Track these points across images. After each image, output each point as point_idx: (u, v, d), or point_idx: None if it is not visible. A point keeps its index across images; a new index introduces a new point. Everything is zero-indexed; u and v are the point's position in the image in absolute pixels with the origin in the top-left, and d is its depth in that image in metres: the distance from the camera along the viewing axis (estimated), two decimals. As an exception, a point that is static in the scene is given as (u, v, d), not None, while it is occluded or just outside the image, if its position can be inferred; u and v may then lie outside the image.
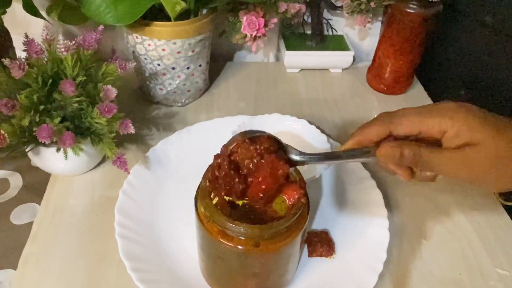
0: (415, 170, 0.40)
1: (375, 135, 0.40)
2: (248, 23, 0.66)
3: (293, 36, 0.81)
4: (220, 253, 0.41)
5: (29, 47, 0.50)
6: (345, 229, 0.53)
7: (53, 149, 0.52)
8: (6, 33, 0.61)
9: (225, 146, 0.42)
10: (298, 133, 0.61)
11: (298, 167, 0.43)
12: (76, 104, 0.51)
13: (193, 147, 0.61)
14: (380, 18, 0.81)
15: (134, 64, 0.56)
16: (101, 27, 0.54)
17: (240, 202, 0.41)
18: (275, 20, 0.69)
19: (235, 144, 0.41)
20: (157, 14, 0.60)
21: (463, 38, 0.75)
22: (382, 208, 0.53)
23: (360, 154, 0.40)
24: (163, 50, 0.62)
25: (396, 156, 0.37)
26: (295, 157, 0.42)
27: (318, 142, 0.60)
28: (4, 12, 0.58)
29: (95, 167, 0.59)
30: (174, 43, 0.62)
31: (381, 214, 0.53)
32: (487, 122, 0.37)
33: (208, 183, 0.41)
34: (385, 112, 0.41)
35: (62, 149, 0.52)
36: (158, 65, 0.64)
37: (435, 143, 0.39)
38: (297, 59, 0.79)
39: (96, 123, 0.51)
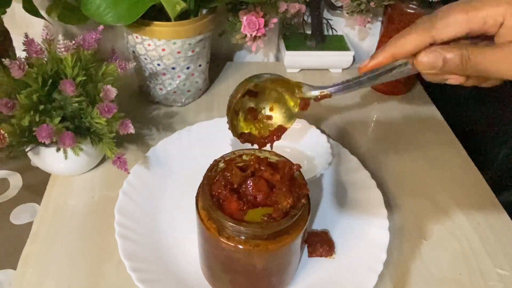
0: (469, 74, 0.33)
1: (414, 46, 0.32)
2: (248, 23, 0.66)
3: (293, 36, 0.81)
4: (221, 253, 0.41)
5: (29, 47, 0.50)
6: (345, 229, 0.53)
7: (53, 149, 0.52)
8: (6, 33, 0.61)
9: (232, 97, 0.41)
10: (298, 133, 0.61)
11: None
12: (76, 104, 0.51)
13: (193, 147, 0.61)
14: (380, 18, 0.81)
15: (134, 64, 0.56)
16: (101, 27, 0.54)
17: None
18: (275, 20, 0.69)
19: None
20: (157, 14, 0.60)
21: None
22: (382, 208, 0.53)
23: (391, 69, 0.34)
24: (163, 50, 0.62)
25: (439, 64, 0.32)
26: (313, 92, 0.39)
27: (318, 142, 0.60)
28: (4, 12, 0.58)
29: (95, 167, 0.59)
30: (174, 43, 0.62)
31: (381, 214, 0.53)
32: None
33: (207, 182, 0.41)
34: (424, 17, 0.33)
35: (62, 149, 0.52)
36: (158, 65, 0.64)
37: (485, 39, 0.32)
38: (297, 59, 0.79)
39: (96, 123, 0.51)
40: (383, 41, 0.75)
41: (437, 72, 0.33)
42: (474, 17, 0.31)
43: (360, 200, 0.56)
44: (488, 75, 0.33)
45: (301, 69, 0.82)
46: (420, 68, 0.32)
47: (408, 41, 0.32)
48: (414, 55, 0.33)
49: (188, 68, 0.66)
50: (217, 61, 0.81)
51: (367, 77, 0.35)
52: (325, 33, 0.82)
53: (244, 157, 0.45)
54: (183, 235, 0.51)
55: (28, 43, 0.50)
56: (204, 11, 0.65)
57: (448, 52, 0.31)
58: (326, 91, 0.38)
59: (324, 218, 0.54)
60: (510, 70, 0.31)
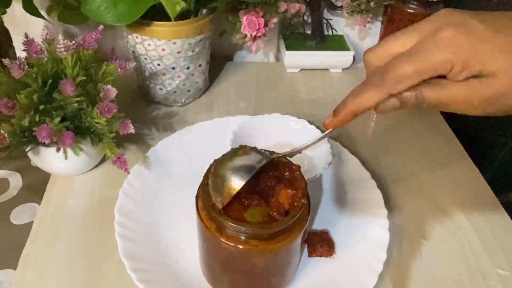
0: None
1: (373, 103, 0.34)
2: (248, 23, 0.66)
3: (293, 36, 0.81)
4: (221, 253, 0.41)
5: (29, 47, 0.50)
6: (345, 229, 0.53)
7: (53, 149, 0.52)
8: (6, 33, 0.61)
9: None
10: (298, 133, 0.61)
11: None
12: (76, 104, 0.51)
13: (193, 147, 0.61)
14: (380, 18, 0.81)
15: (134, 64, 0.56)
16: (101, 27, 0.54)
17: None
18: (275, 20, 0.69)
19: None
20: (157, 14, 0.60)
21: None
22: (382, 208, 0.53)
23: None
24: (163, 50, 0.62)
25: (397, 106, 0.34)
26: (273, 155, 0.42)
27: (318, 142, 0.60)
28: (4, 12, 0.58)
29: (95, 167, 0.59)
30: (174, 43, 0.62)
31: (381, 214, 0.53)
32: (499, 46, 0.31)
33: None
34: (374, 73, 0.35)
35: (62, 149, 0.52)
36: (158, 65, 0.64)
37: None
38: (297, 59, 0.79)
39: (96, 123, 0.51)
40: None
41: (394, 111, 0.35)
42: (424, 68, 0.32)
43: (360, 200, 0.56)
44: (440, 110, 0.35)
45: (301, 69, 0.82)
46: (379, 113, 0.35)
47: (366, 100, 0.34)
48: None
49: (188, 68, 0.66)
50: (217, 61, 0.81)
51: (331, 130, 0.38)
52: (325, 33, 0.82)
53: None
54: (183, 235, 0.51)
55: (28, 43, 0.50)
56: (204, 11, 0.65)
57: (404, 93, 0.33)
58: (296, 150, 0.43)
59: (324, 218, 0.54)
60: (458, 106, 0.34)
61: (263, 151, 0.43)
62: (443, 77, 0.34)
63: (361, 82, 0.37)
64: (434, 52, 0.32)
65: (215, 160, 0.44)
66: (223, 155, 0.43)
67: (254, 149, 0.42)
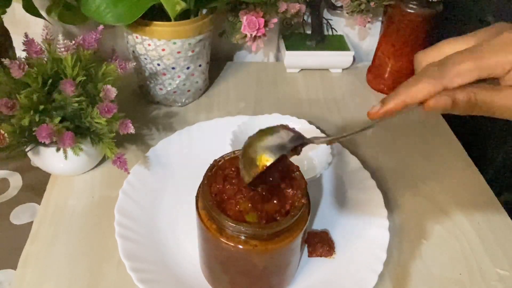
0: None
1: (426, 95, 0.32)
2: (248, 23, 0.66)
3: (293, 36, 0.81)
4: (221, 253, 0.41)
5: (29, 47, 0.50)
6: (345, 229, 0.53)
7: (53, 149, 0.52)
8: (6, 33, 0.61)
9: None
10: (298, 133, 0.61)
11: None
12: (76, 104, 0.51)
13: (193, 147, 0.61)
14: (380, 18, 0.81)
15: (134, 64, 0.56)
16: (101, 27, 0.54)
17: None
18: (275, 20, 0.69)
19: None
20: (157, 14, 0.60)
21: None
22: (382, 208, 0.53)
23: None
24: (163, 50, 0.62)
25: (449, 106, 0.32)
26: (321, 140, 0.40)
27: (318, 142, 0.60)
28: (4, 12, 0.58)
29: (95, 167, 0.59)
30: (174, 43, 0.62)
31: (381, 214, 0.53)
32: None
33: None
34: (432, 64, 0.34)
35: (62, 149, 0.52)
36: (158, 65, 0.64)
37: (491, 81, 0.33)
38: (297, 59, 0.79)
39: (96, 123, 0.51)
40: (383, 41, 0.75)
41: (443, 112, 0.33)
42: (484, 65, 0.32)
43: (360, 200, 0.56)
44: (493, 115, 0.34)
45: (301, 69, 0.82)
46: (429, 110, 0.33)
47: (420, 90, 0.33)
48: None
49: (188, 68, 0.66)
50: (217, 61, 0.81)
51: (377, 121, 0.35)
52: (325, 33, 0.82)
53: None
54: (183, 235, 0.51)
55: (28, 43, 0.50)
56: (204, 11, 0.65)
57: (458, 94, 0.32)
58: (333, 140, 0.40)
59: (324, 218, 0.54)
60: (510, 111, 0.33)
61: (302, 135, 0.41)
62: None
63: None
64: (495, 50, 0.32)
65: (215, 160, 0.44)
66: (261, 130, 0.40)
67: (294, 130, 0.40)
